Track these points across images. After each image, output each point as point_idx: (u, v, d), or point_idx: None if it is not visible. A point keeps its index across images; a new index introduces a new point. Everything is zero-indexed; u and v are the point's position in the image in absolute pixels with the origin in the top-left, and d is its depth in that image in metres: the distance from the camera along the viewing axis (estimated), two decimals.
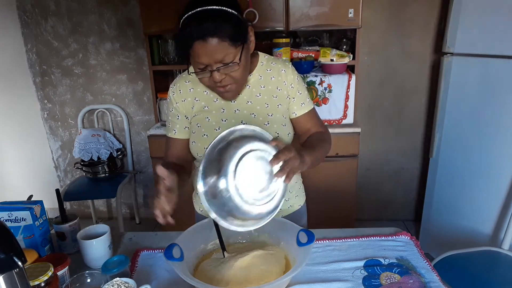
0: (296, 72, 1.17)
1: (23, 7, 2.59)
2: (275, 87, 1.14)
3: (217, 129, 1.11)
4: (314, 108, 1.21)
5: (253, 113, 1.12)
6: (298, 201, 1.26)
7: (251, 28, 1.02)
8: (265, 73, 1.15)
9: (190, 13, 0.94)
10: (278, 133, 1.12)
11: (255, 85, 1.14)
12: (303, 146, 1.16)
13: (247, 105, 1.12)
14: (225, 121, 1.11)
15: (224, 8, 0.95)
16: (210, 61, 0.95)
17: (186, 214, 1.30)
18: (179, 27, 0.97)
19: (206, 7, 0.94)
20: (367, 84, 2.58)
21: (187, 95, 1.14)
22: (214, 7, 0.94)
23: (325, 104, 2.20)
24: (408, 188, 2.83)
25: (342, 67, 2.19)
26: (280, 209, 1.17)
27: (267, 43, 2.34)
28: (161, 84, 2.54)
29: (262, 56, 1.17)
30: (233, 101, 1.12)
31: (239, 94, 1.11)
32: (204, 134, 1.11)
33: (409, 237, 1.14)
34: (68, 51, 2.68)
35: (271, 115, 1.12)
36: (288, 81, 1.15)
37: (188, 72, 1.06)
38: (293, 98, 1.15)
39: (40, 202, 1.08)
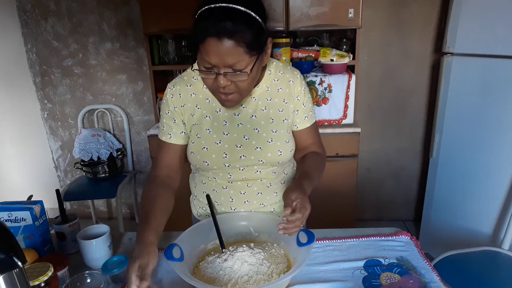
0: (304, 82, 1.12)
1: (23, 7, 2.59)
2: (281, 99, 1.09)
3: (218, 142, 1.06)
4: (316, 122, 1.17)
5: (257, 129, 1.06)
6: None
7: (271, 40, 0.96)
8: (272, 84, 1.09)
9: (212, 6, 0.86)
10: (281, 151, 1.07)
11: (261, 97, 1.08)
12: (300, 169, 1.11)
13: (251, 120, 1.07)
14: (227, 134, 1.06)
15: (249, 11, 0.87)
16: (219, 63, 0.88)
17: (183, 216, 1.30)
18: (194, 17, 0.90)
19: (231, 5, 0.86)
20: (367, 84, 2.58)
21: (188, 100, 1.08)
22: (240, 7, 0.86)
23: (325, 104, 2.20)
24: (408, 188, 2.83)
25: (342, 67, 2.19)
26: (279, 215, 1.17)
27: None
28: (161, 84, 2.54)
29: (271, 63, 1.10)
30: (236, 114, 1.07)
31: (239, 104, 1.05)
32: (204, 147, 1.06)
33: (409, 237, 1.14)
34: (68, 51, 2.68)
35: (275, 132, 1.07)
36: (295, 93, 1.09)
37: (191, 68, 0.97)
38: (297, 110, 1.10)
39: (40, 202, 1.08)
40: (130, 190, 2.92)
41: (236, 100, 0.99)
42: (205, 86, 1.06)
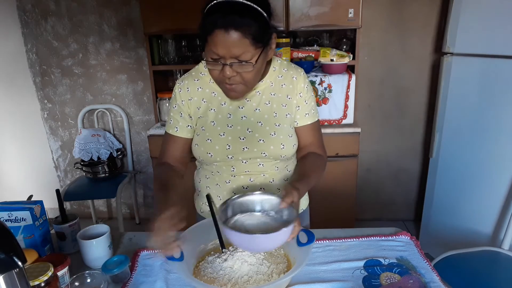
0: (307, 80, 1.16)
1: (23, 7, 2.59)
2: (285, 95, 1.12)
3: (222, 134, 1.08)
4: (318, 121, 1.18)
5: (260, 122, 1.09)
6: (300, 205, 1.23)
7: (275, 36, 1.00)
8: (276, 80, 1.13)
9: (220, 0, 0.92)
10: (283, 145, 1.09)
11: (266, 92, 1.11)
12: (298, 170, 1.12)
13: (255, 113, 1.10)
14: (231, 127, 1.09)
15: (256, 6, 0.93)
16: (226, 54, 0.92)
17: (186, 214, 1.30)
18: (203, 13, 0.95)
19: (239, 0, 0.92)
20: (367, 84, 2.58)
21: (195, 94, 1.12)
22: (247, 2, 0.92)
23: (325, 104, 2.20)
24: (408, 188, 2.83)
25: (342, 67, 2.19)
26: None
27: None
28: (161, 84, 2.54)
29: (275, 61, 1.14)
30: (241, 107, 1.10)
31: (244, 96, 1.08)
32: (208, 139, 1.09)
33: (409, 237, 1.14)
34: (68, 51, 2.68)
35: (279, 125, 1.10)
36: (298, 89, 1.13)
37: (203, 60, 1.02)
38: (299, 106, 1.13)
39: (40, 202, 1.08)
40: (130, 190, 2.92)
41: (241, 91, 1.02)
42: (211, 80, 1.10)
